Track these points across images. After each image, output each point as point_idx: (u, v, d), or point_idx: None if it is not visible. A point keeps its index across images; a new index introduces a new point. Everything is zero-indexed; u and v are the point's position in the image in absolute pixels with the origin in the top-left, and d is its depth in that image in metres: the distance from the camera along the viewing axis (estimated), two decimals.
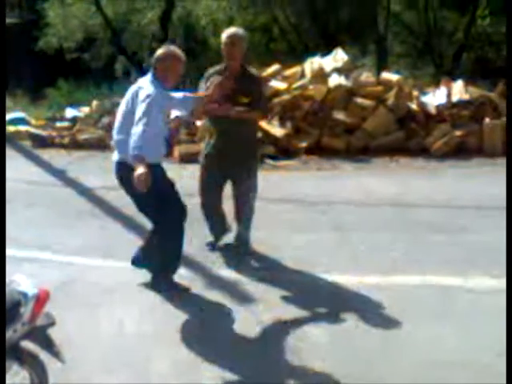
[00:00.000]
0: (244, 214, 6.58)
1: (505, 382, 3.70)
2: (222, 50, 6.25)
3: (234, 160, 6.34)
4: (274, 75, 12.26)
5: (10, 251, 6.42)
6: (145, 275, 6.06)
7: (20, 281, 3.68)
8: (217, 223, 6.76)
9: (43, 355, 3.82)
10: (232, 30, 6.29)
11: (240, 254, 6.61)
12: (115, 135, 5.65)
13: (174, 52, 5.68)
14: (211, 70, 6.37)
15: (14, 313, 3.50)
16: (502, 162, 9.42)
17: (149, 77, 5.62)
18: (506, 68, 8.65)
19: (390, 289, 5.84)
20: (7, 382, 3.72)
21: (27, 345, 3.71)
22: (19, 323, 3.51)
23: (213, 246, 6.82)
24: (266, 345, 4.99)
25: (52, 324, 3.78)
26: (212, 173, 6.49)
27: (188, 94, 6.05)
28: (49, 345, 3.76)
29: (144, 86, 5.50)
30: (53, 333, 3.81)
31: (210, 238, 6.85)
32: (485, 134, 11.02)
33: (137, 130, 5.16)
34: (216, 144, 6.44)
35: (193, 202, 6.75)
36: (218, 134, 6.43)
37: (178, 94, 5.94)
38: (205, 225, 6.80)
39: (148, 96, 5.33)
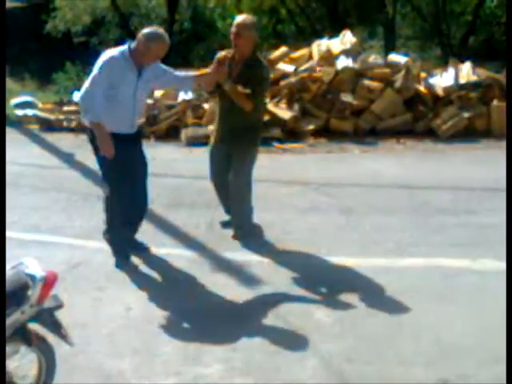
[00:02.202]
0: (235, 198, 6.57)
1: None
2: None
3: (229, 140, 6.38)
4: (281, 57, 12.23)
5: (17, 234, 6.49)
6: (151, 258, 6.10)
7: (28, 263, 3.70)
8: (227, 204, 6.75)
9: (51, 338, 3.85)
10: (239, 19, 6.29)
11: (237, 237, 6.62)
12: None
13: (164, 36, 5.81)
14: (223, 53, 6.40)
15: (21, 295, 3.52)
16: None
17: (122, 47, 5.81)
18: (506, 51, 8.60)
19: (397, 271, 5.85)
20: (15, 363, 3.76)
21: (35, 327, 3.74)
22: (27, 305, 3.53)
23: (225, 225, 6.83)
24: (271, 326, 5.01)
25: (60, 307, 3.80)
26: (214, 152, 6.56)
27: (190, 73, 6.28)
28: (56, 327, 3.78)
29: (109, 51, 5.78)
30: (60, 315, 3.83)
31: (223, 218, 6.88)
32: (492, 116, 10.98)
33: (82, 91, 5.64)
34: (217, 124, 6.54)
35: (200, 185, 6.77)
36: (219, 114, 6.53)
37: (179, 72, 6.22)
38: (211, 208, 6.82)
39: (104, 59, 5.65)
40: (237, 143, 6.34)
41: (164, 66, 6.08)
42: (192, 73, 6.27)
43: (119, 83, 5.65)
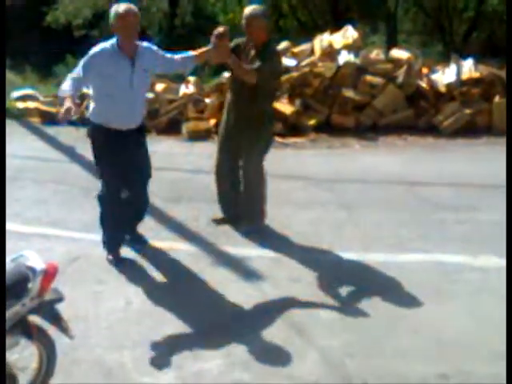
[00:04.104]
0: (245, 190, 6.56)
1: None
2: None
3: (238, 130, 6.39)
4: (283, 52, 12.20)
5: (18, 227, 6.49)
6: (152, 251, 6.09)
7: (28, 256, 3.70)
8: (226, 200, 6.74)
9: (51, 331, 3.84)
10: (247, 10, 6.33)
11: (244, 231, 6.62)
12: None
13: (122, 11, 5.60)
14: (239, 40, 6.44)
15: (22, 287, 3.52)
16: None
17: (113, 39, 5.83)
18: (506, 48, 8.59)
19: (398, 266, 5.85)
20: (15, 355, 3.76)
21: (35, 320, 3.74)
22: (27, 298, 3.53)
23: (218, 223, 6.81)
24: (271, 321, 5.01)
25: (60, 299, 3.80)
26: (223, 142, 6.57)
27: (190, 54, 6.14)
28: (57, 320, 3.78)
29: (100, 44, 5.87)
30: (61, 308, 3.83)
31: (218, 215, 6.85)
32: (494, 113, 10.96)
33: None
34: (225, 115, 6.54)
35: (200, 179, 6.76)
36: (226, 107, 6.54)
37: (177, 55, 6.08)
38: (211, 202, 6.82)
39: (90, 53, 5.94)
40: (245, 133, 6.34)
41: (161, 52, 5.97)
42: (191, 53, 6.15)
43: (111, 74, 5.64)
